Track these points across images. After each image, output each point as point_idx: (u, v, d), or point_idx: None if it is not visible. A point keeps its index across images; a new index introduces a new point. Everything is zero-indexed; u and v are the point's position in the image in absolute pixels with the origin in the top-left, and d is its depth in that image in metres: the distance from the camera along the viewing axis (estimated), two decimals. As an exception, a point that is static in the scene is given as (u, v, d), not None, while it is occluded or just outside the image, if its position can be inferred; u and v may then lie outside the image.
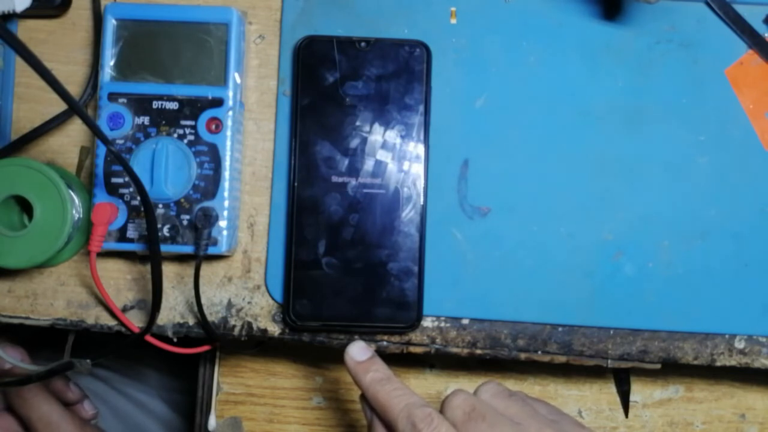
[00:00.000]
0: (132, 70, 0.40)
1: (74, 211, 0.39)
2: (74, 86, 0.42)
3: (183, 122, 0.39)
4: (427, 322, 0.41)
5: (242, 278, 0.42)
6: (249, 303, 0.42)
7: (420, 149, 0.40)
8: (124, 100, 0.39)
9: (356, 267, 0.40)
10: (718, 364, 0.41)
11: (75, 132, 0.43)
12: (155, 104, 0.39)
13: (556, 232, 0.41)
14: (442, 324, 0.41)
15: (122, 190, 0.39)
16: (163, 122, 0.39)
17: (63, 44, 0.43)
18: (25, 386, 0.48)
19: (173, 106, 0.39)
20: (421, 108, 0.41)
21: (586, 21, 0.42)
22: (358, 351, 0.37)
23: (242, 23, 0.41)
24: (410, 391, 0.35)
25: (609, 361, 0.41)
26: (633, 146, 0.41)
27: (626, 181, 0.41)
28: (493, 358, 0.41)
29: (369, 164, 0.40)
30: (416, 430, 0.32)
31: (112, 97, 0.39)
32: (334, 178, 0.40)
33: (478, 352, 0.41)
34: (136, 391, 0.62)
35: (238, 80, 0.40)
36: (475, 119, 0.42)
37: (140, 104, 0.39)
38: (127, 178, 0.39)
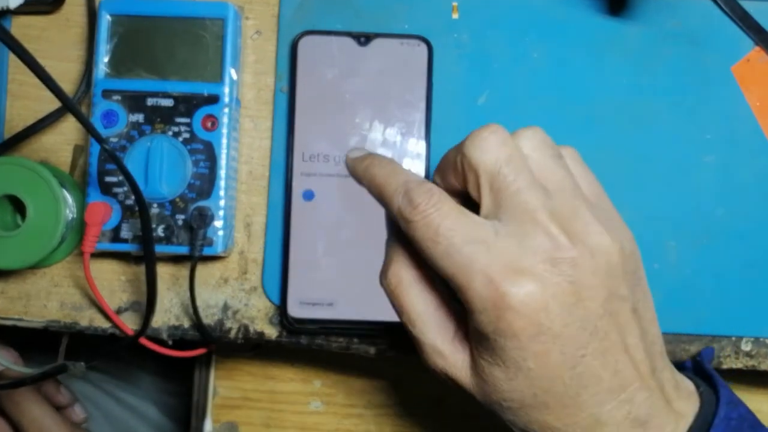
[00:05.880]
0: (126, 66, 0.39)
1: (68, 211, 0.39)
2: (68, 83, 0.42)
3: (178, 120, 0.39)
4: (428, 324, 0.41)
5: (239, 280, 0.41)
6: (245, 305, 0.41)
7: (421, 147, 0.40)
8: (119, 98, 0.39)
9: (355, 268, 0.39)
10: (725, 366, 0.41)
11: (69, 130, 0.42)
12: (150, 101, 0.39)
13: (559, 232, 0.40)
14: (444, 326, 0.41)
15: (116, 190, 0.39)
16: (158, 120, 0.39)
17: (57, 41, 0.42)
18: (17, 389, 0.48)
19: (168, 103, 0.39)
20: (422, 105, 0.40)
21: (590, 16, 0.41)
22: (356, 151, 0.34)
23: (239, 18, 0.40)
24: (410, 171, 0.30)
25: (614, 364, 0.41)
26: (638, 144, 0.41)
27: (631, 180, 0.41)
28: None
29: (368, 163, 0.40)
30: (413, 207, 0.28)
31: (107, 94, 0.39)
32: (333, 177, 0.40)
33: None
34: (128, 395, 0.62)
35: (235, 77, 0.39)
36: (477, 116, 0.41)
37: (135, 101, 0.39)
38: (121, 177, 0.38)
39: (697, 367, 0.33)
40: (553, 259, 0.26)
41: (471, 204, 0.29)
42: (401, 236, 0.30)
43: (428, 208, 0.27)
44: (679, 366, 0.34)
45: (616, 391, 0.27)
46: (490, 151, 0.28)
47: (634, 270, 0.28)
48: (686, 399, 0.29)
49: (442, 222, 0.27)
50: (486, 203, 0.28)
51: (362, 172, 0.32)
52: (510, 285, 0.26)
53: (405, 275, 0.30)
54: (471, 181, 0.28)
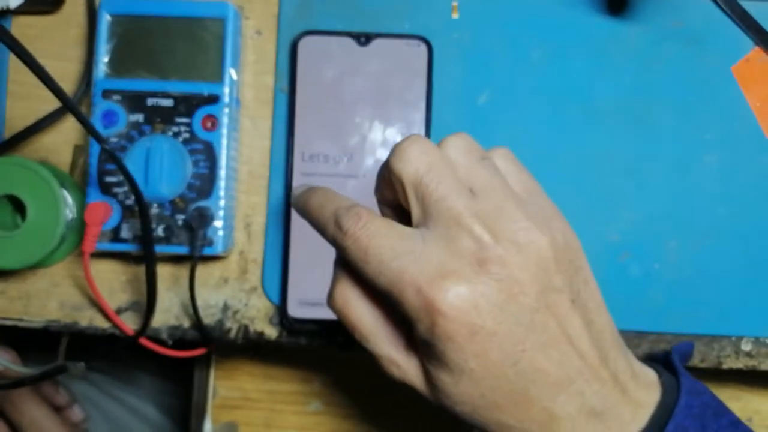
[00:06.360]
0: (126, 66, 0.39)
1: (67, 211, 0.39)
2: (68, 83, 0.42)
3: (178, 119, 0.39)
4: (428, 325, 0.41)
5: (238, 280, 0.41)
6: (245, 305, 0.41)
7: (421, 147, 0.40)
8: (119, 98, 0.39)
9: (355, 268, 0.39)
10: (725, 366, 0.41)
11: (69, 130, 0.42)
12: (150, 101, 0.39)
13: (559, 232, 0.40)
14: (444, 326, 0.41)
15: (116, 190, 0.39)
16: (158, 120, 0.39)
17: (57, 41, 0.42)
18: (15, 390, 0.47)
19: (168, 103, 0.39)
20: (422, 105, 0.40)
21: (590, 16, 0.41)
22: (299, 188, 0.33)
23: (239, 18, 0.40)
24: (344, 197, 0.30)
25: (614, 364, 0.41)
26: (639, 144, 0.41)
27: (632, 180, 0.41)
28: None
29: (369, 162, 0.40)
30: (343, 233, 0.28)
31: (106, 94, 0.39)
32: (333, 177, 0.39)
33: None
34: (128, 395, 0.61)
35: (234, 76, 0.39)
36: (477, 116, 0.41)
37: (134, 101, 0.39)
38: (121, 177, 0.38)
39: (667, 359, 0.33)
40: (479, 260, 0.26)
41: (408, 214, 0.29)
42: (342, 259, 0.30)
43: (357, 231, 0.28)
44: (652, 358, 0.34)
45: (564, 383, 0.27)
46: (412, 161, 0.28)
47: (571, 260, 0.28)
48: (645, 388, 0.29)
49: (370, 242, 0.27)
50: (415, 212, 0.28)
51: (301, 207, 0.32)
52: (437, 291, 0.26)
53: (350, 294, 0.30)
54: (400, 193, 0.29)
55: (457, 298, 0.26)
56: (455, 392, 0.27)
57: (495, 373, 0.26)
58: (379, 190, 0.31)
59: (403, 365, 0.29)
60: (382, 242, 0.27)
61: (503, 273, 0.26)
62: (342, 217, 0.28)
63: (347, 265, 0.30)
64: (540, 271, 0.27)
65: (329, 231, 0.29)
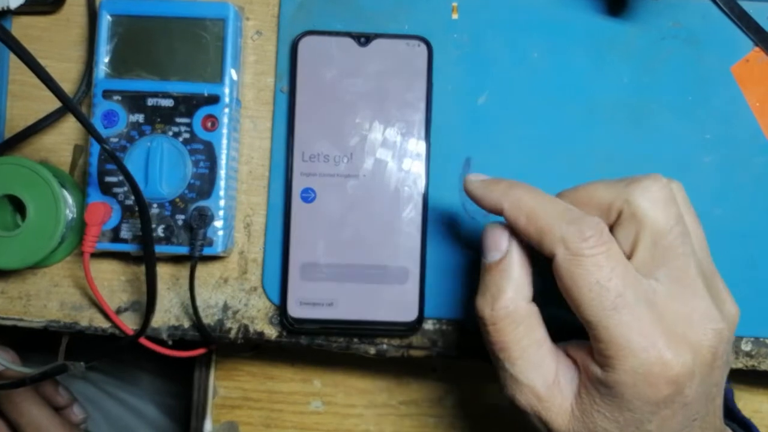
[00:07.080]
0: (127, 66, 0.39)
1: (68, 211, 0.39)
2: (68, 83, 0.42)
3: (178, 120, 0.39)
4: (428, 325, 0.41)
5: (238, 280, 0.41)
6: (245, 305, 0.41)
7: (421, 147, 0.40)
8: (119, 98, 0.39)
9: (355, 268, 0.39)
10: (725, 367, 0.41)
11: (69, 130, 0.42)
12: (150, 101, 0.39)
13: (559, 232, 0.40)
14: (444, 326, 0.41)
15: (116, 190, 0.39)
16: (158, 120, 0.39)
17: (57, 41, 0.42)
18: (15, 390, 0.47)
19: (168, 103, 0.39)
20: (422, 105, 0.40)
21: (590, 16, 0.41)
22: (478, 175, 0.31)
23: (239, 19, 0.40)
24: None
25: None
26: (638, 144, 0.41)
27: (631, 180, 0.41)
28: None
29: (369, 163, 0.40)
30: (583, 238, 0.25)
31: (107, 94, 0.39)
32: (333, 177, 0.39)
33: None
34: (128, 395, 0.61)
35: (235, 77, 0.39)
36: (477, 116, 0.41)
37: (135, 102, 0.39)
38: (121, 178, 0.38)
39: (727, 411, 0.34)
40: (705, 329, 0.26)
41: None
42: (520, 261, 0.28)
43: (599, 244, 0.26)
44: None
45: None
46: (661, 208, 0.27)
47: None
48: None
49: (614, 268, 0.25)
50: (642, 257, 0.27)
51: (500, 194, 0.29)
52: (673, 354, 0.25)
53: (519, 308, 0.27)
54: (628, 229, 0.27)
55: (684, 367, 0.25)
56: None
57: None
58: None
59: (547, 400, 0.27)
60: (625, 274, 0.26)
61: (718, 346, 0.26)
62: (583, 221, 0.26)
63: (524, 270, 0.28)
64: (730, 343, 0.28)
65: (557, 230, 0.26)
